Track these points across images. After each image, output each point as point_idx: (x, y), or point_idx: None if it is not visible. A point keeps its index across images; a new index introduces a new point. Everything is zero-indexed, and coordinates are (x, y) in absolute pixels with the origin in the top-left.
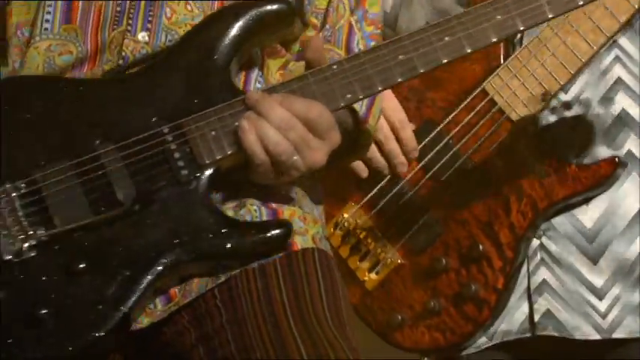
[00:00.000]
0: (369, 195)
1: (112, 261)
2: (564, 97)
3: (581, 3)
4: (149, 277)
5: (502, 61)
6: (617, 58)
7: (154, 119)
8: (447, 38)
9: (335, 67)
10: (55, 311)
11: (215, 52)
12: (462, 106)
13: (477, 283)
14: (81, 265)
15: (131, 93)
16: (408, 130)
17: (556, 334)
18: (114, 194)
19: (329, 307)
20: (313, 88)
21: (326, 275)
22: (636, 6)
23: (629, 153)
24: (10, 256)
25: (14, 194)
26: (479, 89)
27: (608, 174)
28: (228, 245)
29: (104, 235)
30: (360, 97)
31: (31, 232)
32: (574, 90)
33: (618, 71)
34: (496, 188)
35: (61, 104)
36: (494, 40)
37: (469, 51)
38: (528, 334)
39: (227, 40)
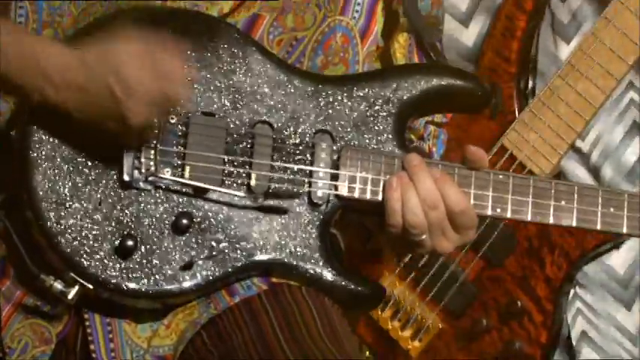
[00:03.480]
0: (403, 262)
1: (213, 234)
2: (582, 144)
3: None
4: (237, 264)
5: (517, 114)
6: (631, 101)
7: (317, 128)
8: (612, 209)
9: (501, 177)
10: (143, 249)
11: (404, 100)
12: None
13: (520, 339)
14: (184, 221)
15: (312, 93)
16: None
17: None
18: (248, 177)
19: (322, 322)
20: (471, 183)
21: (317, 302)
22: None
23: None
24: (129, 179)
25: (166, 123)
26: (497, 145)
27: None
28: (322, 280)
29: (220, 206)
30: (508, 217)
31: (159, 168)
32: (591, 136)
33: (634, 113)
34: (528, 243)
35: (244, 67)
36: None
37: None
38: None
39: (421, 95)
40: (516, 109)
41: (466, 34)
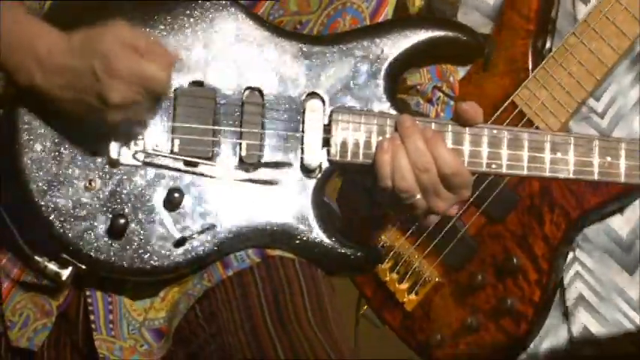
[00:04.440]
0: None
1: (205, 207)
2: (596, 104)
3: None
4: (230, 236)
5: (530, 72)
6: None
7: (307, 91)
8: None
9: (495, 132)
10: (135, 227)
11: (395, 56)
12: (493, 119)
13: (513, 296)
14: (175, 196)
15: (300, 57)
16: None
17: (593, 354)
18: (239, 147)
19: (311, 305)
20: (465, 140)
21: (307, 277)
22: None
23: None
24: (116, 156)
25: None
26: (507, 102)
27: None
28: (317, 246)
29: (211, 179)
30: (503, 172)
31: (147, 144)
32: (605, 98)
33: None
34: (529, 200)
35: (229, 32)
36: None
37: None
38: (566, 349)
39: (412, 51)
40: (530, 67)
41: None
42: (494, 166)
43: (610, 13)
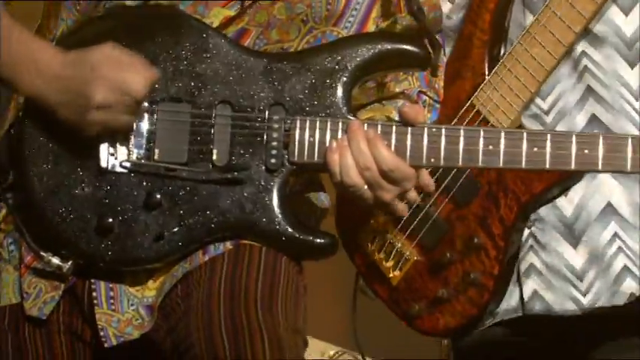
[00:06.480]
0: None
1: (181, 207)
2: (543, 104)
3: None
4: (204, 231)
5: (487, 77)
6: (585, 68)
7: (271, 102)
8: (535, 149)
9: (434, 130)
10: (122, 225)
11: (349, 69)
12: (456, 119)
13: (476, 271)
14: (154, 199)
15: (265, 72)
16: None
17: (542, 313)
18: (211, 153)
19: (262, 290)
20: (407, 139)
21: (268, 263)
22: (587, 16)
23: None
24: (105, 165)
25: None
26: (468, 103)
27: None
28: (282, 236)
29: (186, 182)
30: (441, 165)
31: (131, 154)
32: (551, 98)
33: (587, 79)
34: (488, 187)
35: (204, 53)
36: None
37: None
38: (520, 314)
39: (364, 63)
40: (486, 72)
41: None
42: (432, 159)
43: (547, 22)
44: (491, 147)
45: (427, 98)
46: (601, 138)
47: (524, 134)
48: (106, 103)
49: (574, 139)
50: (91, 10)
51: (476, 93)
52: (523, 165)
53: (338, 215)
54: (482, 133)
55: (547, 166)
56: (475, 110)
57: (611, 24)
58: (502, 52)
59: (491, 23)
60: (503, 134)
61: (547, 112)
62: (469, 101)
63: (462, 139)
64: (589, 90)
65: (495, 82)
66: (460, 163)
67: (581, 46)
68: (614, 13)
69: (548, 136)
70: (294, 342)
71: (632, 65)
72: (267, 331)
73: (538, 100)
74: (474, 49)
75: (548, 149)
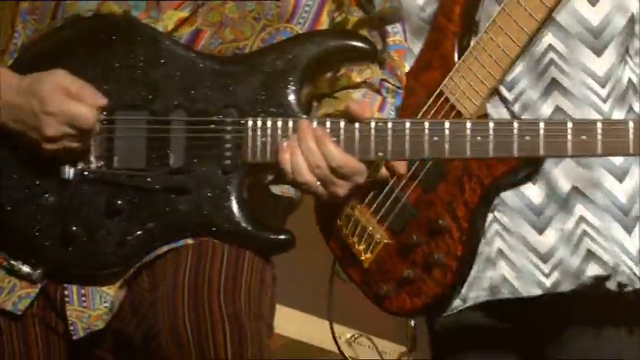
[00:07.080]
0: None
1: (143, 211)
2: (508, 94)
3: None
4: (165, 233)
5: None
6: (551, 61)
7: (224, 105)
8: (479, 138)
9: (380, 124)
10: (86, 233)
11: (298, 69)
12: (426, 107)
13: (440, 252)
14: (115, 205)
15: (217, 75)
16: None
17: (510, 297)
18: (168, 157)
19: (226, 281)
20: (355, 134)
21: (231, 256)
22: (548, 4)
23: None
24: (66, 176)
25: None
26: (437, 91)
27: None
28: (242, 234)
29: (146, 187)
30: (389, 158)
31: (91, 163)
32: (517, 89)
33: (552, 71)
34: (454, 172)
35: (158, 60)
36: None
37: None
38: (489, 298)
39: (312, 62)
40: (456, 62)
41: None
42: (380, 153)
43: (512, 12)
44: (435, 138)
45: (390, 85)
46: (542, 124)
47: (468, 124)
48: (57, 137)
49: (515, 124)
50: (48, 20)
51: (445, 81)
52: (468, 154)
53: (316, 201)
54: (426, 124)
55: (491, 154)
56: (444, 97)
57: (576, 14)
58: (472, 43)
59: (461, 15)
60: (447, 125)
61: (512, 103)
62: (438, 89)
63: (407, 131)
64: (553, 82)
65: (463, 70)
66: (407, 155)
67: (547, 39)
68: (579, 3)
69: (491, 124)
70: (257, 329)
71: (598, 53)
72: (229, 321)
73: (504, 92)
74: (445, 40)
75: (491, 138)
